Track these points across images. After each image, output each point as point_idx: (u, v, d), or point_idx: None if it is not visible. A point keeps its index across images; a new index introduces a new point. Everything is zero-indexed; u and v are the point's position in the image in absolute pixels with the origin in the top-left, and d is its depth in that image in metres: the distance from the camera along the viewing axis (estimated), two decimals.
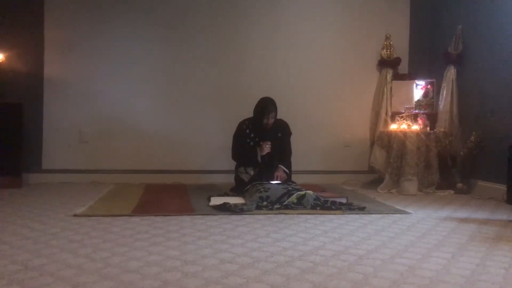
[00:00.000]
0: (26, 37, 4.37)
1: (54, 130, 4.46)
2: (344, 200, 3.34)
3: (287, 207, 3.14)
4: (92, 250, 2.08)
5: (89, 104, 4.51)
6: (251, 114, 3.87)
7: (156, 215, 2.88)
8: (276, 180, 3.66)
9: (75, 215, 2.83)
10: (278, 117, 3.90)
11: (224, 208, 3.05)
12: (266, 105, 3.75)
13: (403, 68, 4.91)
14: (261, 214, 3.00)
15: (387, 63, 4.83)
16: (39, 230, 2.44)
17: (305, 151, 4.65)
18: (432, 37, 4.94)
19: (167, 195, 3.67)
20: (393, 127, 4.42)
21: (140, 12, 4.58)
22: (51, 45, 4.44)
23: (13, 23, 4.34)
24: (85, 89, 4.50)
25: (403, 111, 4.47)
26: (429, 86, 4.65)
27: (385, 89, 4.77)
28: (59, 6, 4.45)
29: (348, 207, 3.20)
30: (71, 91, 4.48)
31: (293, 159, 3.95)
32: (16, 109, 4.05)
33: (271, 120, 3.77)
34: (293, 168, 3.96)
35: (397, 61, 4.84)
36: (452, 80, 4.41)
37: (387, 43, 4.85)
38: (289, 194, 3.22)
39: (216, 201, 3.28)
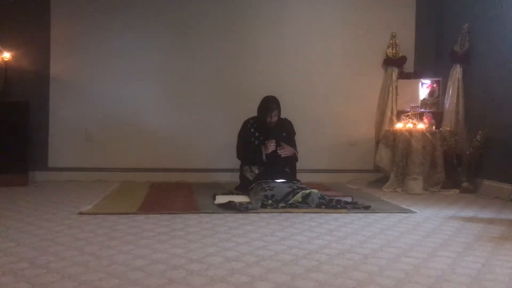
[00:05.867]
0: (32, 36, 4.39)
1: (60, 129, 4.48)
2: (349, 199, 3.33)
3: (292, 205, 3.14)
4: (98, 248, 2.09)
5: (95, 102, 4.53)
6: (255, 113, 3.87)
7: (161, 213, 2.89)
8: (280, 149, 3.67)
9: (81, 213, 2.85)
10: (283, 116, 3.90)
11: (229, 207, 3.06)
12: (269, 104, 3.75)
13: (409, 66, 4.89)
14: (266, 212, 3.00)
15: (392, 61, 4.81)
16: (46, 228, 2.46)
17: (310, 150, 4.64)
18: (438, 36, 4.92)
19: (172, 194, 3.68)
20: (399, 126, 4.40)
21: (146, 12, 4.59)
22: (57, 44, 4.46)
23: (19, 23, 4.36)
24: (91, 88, 4.52)
25: (409, 110, 4.45)
26: (435, 85, 4.63)
27: (391, 88, 4.75)
28: (65, 5, 4.46)
29: (353, 206, 3.19)
30: (77, 90, 4.50)
31: (298, 157, 3.95)
32: (22, 107, 4.07)
33: (275, 118, 3.77)
34: (298, 167, 3.96)
35: (403, 59, 4.82)
36: (458, 79, 4.38)
37: (393, 41, 4.84)
38: (294, 192, 3.22)
39: (221, 199, 3.28)
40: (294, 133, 3.95)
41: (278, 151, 3.72)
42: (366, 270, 1.85)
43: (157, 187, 4.07)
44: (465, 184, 4.10)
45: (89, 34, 4.51)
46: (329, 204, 3.18)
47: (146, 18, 4.59)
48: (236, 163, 4.03)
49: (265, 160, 3.75)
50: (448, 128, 4.30)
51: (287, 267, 1.86)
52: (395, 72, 4.79)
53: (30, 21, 4.40)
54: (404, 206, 3.32)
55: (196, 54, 4.65)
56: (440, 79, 4.61)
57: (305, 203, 3.16)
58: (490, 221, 2.92)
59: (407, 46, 4.88)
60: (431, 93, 4.63)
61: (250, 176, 3.77)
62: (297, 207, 3.13)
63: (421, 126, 4.26)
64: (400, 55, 4.82)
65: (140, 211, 2.96)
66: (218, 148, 4.64)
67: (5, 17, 4.34)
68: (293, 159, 3.83)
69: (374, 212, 3.09)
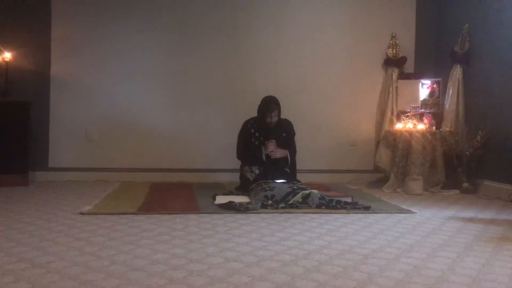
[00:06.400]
0: (33, 37, 4.40)
1: (61, 129, 4.48)
2: (349, 199, 3.33)
3: (292, 206, 3.14)
4: (98, 248, 2.10)
5: (95, 103, 4.53)
6: (256, 113, 3.87)
7: (161, 214, 2.89)
8: (271, 149, 3.68)
9: (81, 213, 2.85)
10: (284, 116, 3.90)
11: (229, 207, 3.06)
12: (269, 104, 3.75)
13: (409, 67, 4.89)
14: (266, 213, 3.00)
15: (393, 62, 4.81)
16: (46, 228, 2.46)
17: (310, 150, 4.64)
18: (438, 36, 4.92)
19: (172, 194, 3.68)
20: (399, 126, 4.40)
21: (146, 13, 4.59)
22: (58, 45, 4.46)
23: (20, 23, 4.36)
24: (91, 88, 4.53)
25: (409, 110, 4.45)
26: (435, 85, 4.63)
27: (391, 88, 4.75)
28: (65, 6, 4.47)
29: (353, 206, 3.19)
30: (78, 90, 4.51)
31: (298, 158, 3.95)
32: (23, 107, 4.08)
33: (275, 118, 3.77)
34: (298, 167, 3.96)
35: (403, 60, 4.82)
36: (458, 79, 4.38)
37: (393, 42, 4.84)
38: (294, 193, 3.22)
39: (221, 199, 3.28)
40: (294, 134, 3.94)
41: (268, 153, 3.72)
42: (366, 271, 1.85)
43: (157, 187, 4.08)
44: (465, 185, 4.10)
45: (90, 34, 4.52)
46: (329, 204, 3.18)
47: (147, 19, 4.60)
48: (236, 163, 4.03)
49: (265, 160, 3.75)
50: (448, 129, 4.30)
51: (287, 268, 1.87)
52: (395, 73, 4.79)
53: (31, 21, 4.40)
54: (404, 207, 3.32)
55: (196, 54, 4.66)
56: (440, 79, 4.61)
57: (305, 204, 3.17)
58: (490, 222, 2.92)
59: (407, 46, 4.88)
60: (431, 94, 4.63)
61: (250, 176, 3.76)
62: (297, 207, 3.13)
63: (421, 126, 4.26)
64: (400, 55, 4.82)
65: (140, 211, 2.96)
66: (218, 148, 4.64)
67: (6, 17, 4.34)
68: (287, 160, 3.82)
69: (374, 212, 3.09)
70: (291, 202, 3.17)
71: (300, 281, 1.71)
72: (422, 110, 4.49)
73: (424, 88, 4.65)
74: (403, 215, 3.05)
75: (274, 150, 3.74)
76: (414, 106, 4.46)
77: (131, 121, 4.58)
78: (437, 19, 4.94)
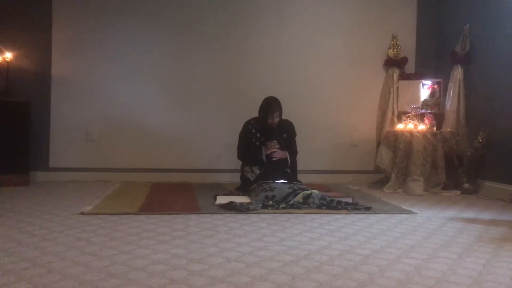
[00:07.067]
0: (34, 37, 4.40)
1: (61, 129, 4.49)
2: (349, 200, 3.33)
3: (293, 206, 3.14)
4: (99, 248, 2.10)
5: (96, 103, 4.53)
6: (256, 114, 3.87)
7: (162, 214, 2.89)
8: (272, 151, 3.67)
9: (81, 213, 2.85)
10: (285, 116, 3.90)
11: (230, 207, 3.06)
12: (270, 105, 3.75)
13: (410, 67, 4.89)
14: (267, 213, 3.00)
15: (393, 62, 4.81)
16: (47, 228, 2.46)
17: (311, 151, 4.64)
18: (439, 37, 4.92)
19: (173, 194, 3.68)
20: (400, 126, 4.40)
21: (146, 13, 4.60)
22: (59, 45, 4.47)
23: (21, 23, 4.37)
24: (92, 88, 4.53)
25: (410, 110, 4.45)
26: (436, 86, 4.63)
27: (392, 89, 4.75)
28: (66, 6, 4.48)
29: (354, 207, 3.19)
30: (78, 90, 4.51)
31: (299, 158, 3.95)
32: (24, 107, 4.08)
33: (276, 119, 3.77)
34: (299, 167, 3.96)
35: (404, 60, 4.82)
36: (459, 80, 4.38)
37: (394, 42, 4.84)
38: (295, 193, 3.22)
39: (222, 200, 3.28)
40: (295, 134, 3.94)
41: (269, 153, 3.72)
42: (366, 271, 1.85)
43: (158, 187, 4.08)
44: (466, 185, 4.10)
45: (90, 34, 4.52)
46: (329, 205, 3.18)
47: (147, 19, 4.60)
48: (237, 163, 4.03)
49: (265, 161, 3.74)
50: (449, 129, 4.30)
51: (288, 268, 1.87)
52: (396, 73, 4.79)
53: (32, 22, 4.41)
54: (405, 207, 3.32)
55: (197, 54, 4.66)
56: (441, 80, 4.61)
57: (306, 204, 3.17)
58: (491, 222, 2.92)
59: (408, 47, 4.88)
60: (432, 94, 4.63)
61: (251, 176, 3.76)
62: (298, 207, 3.13)
63: (422, 127, 4.26)
64: (401, 56, 4.82)
65: (141, 211, 2.96)
66: (219, 149, 4.64)
67: (7, 17, 4.34)
68: (287, 161, 3.82)
69: (375, 213, 3.09)
70: (291, 202, 3.17)
71: (301, 281, 1.71)
72: (423, 111, 4.49)
73: (425, 89, 4.65)
74: (404, 215, 3.05)
75: (275, 151, 3.73)
76: (415, 107, 4.45)
77: (132, 121, 4.58)
78: (438, 19, 4.94)
